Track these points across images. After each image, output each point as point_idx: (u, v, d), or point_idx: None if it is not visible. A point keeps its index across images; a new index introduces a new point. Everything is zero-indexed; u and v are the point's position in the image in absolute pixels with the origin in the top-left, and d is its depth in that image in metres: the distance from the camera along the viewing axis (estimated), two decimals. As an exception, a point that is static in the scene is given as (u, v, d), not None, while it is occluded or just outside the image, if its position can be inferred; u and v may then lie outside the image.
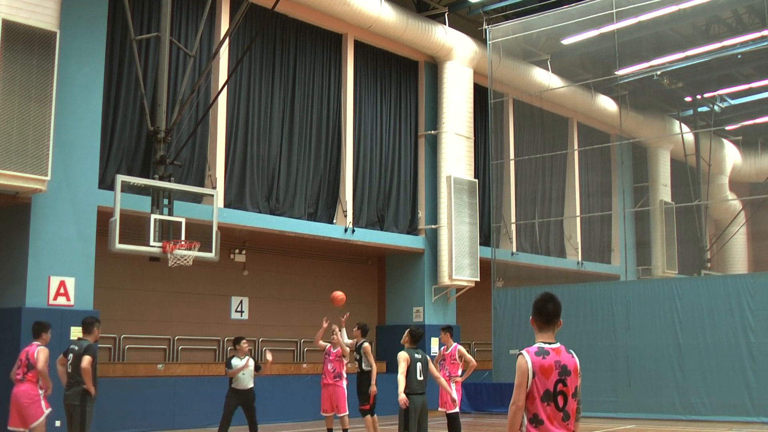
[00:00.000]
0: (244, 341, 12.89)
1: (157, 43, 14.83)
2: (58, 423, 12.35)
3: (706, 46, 24.68)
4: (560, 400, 4.76)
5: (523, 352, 4.85)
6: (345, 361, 13.82)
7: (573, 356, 4.87)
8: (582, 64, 26.46)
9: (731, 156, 32.07)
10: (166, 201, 13.57)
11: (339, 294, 13.46)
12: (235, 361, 12.67)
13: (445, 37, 21.43)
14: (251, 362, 12.72)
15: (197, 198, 15.57)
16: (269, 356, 13.20)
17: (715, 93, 28.60)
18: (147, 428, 15.41)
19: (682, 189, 28.56)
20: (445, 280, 21.11)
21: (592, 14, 21.55)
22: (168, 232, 13.27)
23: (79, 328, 10.66)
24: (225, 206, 16.74)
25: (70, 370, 10.06)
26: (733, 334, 18.06)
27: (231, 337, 18.73)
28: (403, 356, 9.82)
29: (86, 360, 9.80)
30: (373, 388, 13.12)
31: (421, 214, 21.64)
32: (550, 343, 4.89)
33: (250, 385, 12.71)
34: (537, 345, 4.88)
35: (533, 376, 4.76)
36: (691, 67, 25.69)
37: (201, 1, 16.09)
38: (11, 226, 13.87)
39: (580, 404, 4.85)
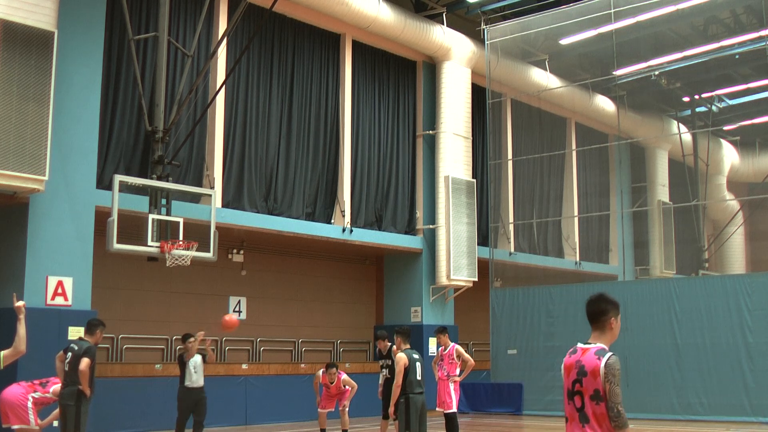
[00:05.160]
0: (192, 339, 12.91)
1: (155, 43, 14.82)
2: (56, 423, 12.33)
3: (704, 46, 24.69)
4: (577, 400, 4.71)
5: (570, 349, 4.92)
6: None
7: (598, 358, 4.67)
8: (580, 64, 26.47)
9: (729, 156, 32.10)
10: (164, 201, 13.55)
11: (230, 319, 12.62)
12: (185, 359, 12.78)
13: (443, 37, 21.43)
14: (199, 357, 12.82)
15: (195, 198, 15.56)
16: (201, 334, 12.99)
17: (713, 93, 28.59)
18: (145, 428, 15.41)
19: (680, 189, 28.57)
20: (443, 280, 21.11)
21: (590, 14, 21.57)
22: (166, 232, 13.26)
23: (78, 328, 10.64)
24: (223, 206, 16.73)
25: (67, 369, 10.03)
26: (731, 334, 18.07)
27: (229, 337, 18.84)
28: (402, 360, 9.79)
29: (84, 363, 9.79)
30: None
31: (419, 214, 21.65)
32: (587, 343, 4.84)
33: (201, 383, 12.85)
34: (577, 344, 4.91)
35: (564, 374, 4.82)
36: (689, 67, 25.68)
37: (199, 1, 16.08)
38: (9, 226, 13.85)
39: (613, 412, 4.57)
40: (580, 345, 4.84)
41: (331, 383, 13.58)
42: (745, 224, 31.26)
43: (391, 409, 10.24)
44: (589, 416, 4.64)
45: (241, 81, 17.73)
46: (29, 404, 10.46)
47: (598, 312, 4.86)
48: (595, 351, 4.72)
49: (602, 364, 4.63)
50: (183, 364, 12.83)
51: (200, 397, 12.86)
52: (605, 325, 4.84)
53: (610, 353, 4.68)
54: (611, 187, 28.48)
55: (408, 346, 10.11)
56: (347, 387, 13.69)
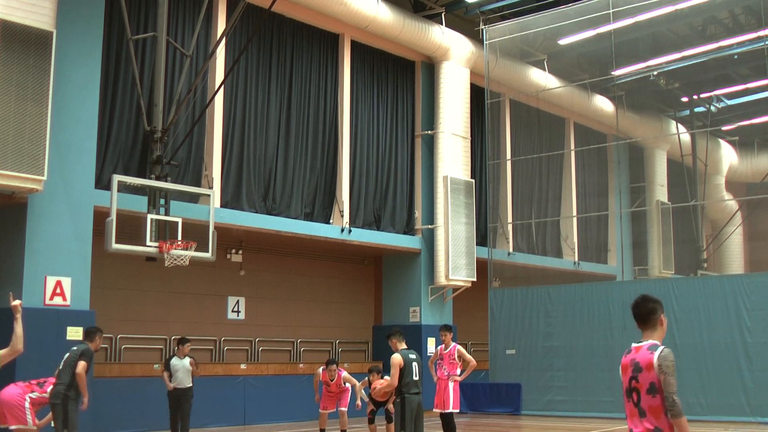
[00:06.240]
0: (188, 344, 13.75)
1: (153, 43, 14.80)
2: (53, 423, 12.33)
3: (703, 46, 24.69)
4: (635, 397, 4.89)
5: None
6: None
7: (651, 353, 4.88)
8: (579, 64, 26.49)
9: (728, 156, 32.12)
10: (162, 201, 13.54)
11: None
12: (175, 361, 13.56)
13: (441, 37, 21.43)
14: (187, 360, 13.56)
15: (194, 198, 15.56)
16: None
17: (712, 93, 28.61)
18: (143, 428, 15.41)
19: (678, 189, 28.58)
20: (441, 280, 21.11)
21: (588, 14, 21.57)
22: (164, 232, 13.24)
23: (76, 328, 10.68)
24: (221, 206, 16.72)
25: (60, 368, 10.08)
26: (730, 334, 18.07)
27: (228, 337, 18.84)
28: (396, 361, 9.74)
29: (81, 366, 9.87)
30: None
31: (418, 214, 21.64)
32: (640, 342, 5.04)
33: (188, 383, 13.51)
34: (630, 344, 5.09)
35: (621, 373, 5.03)
36: (687, 67, 25.69)
37: (198, 0, 16.08)
38: (8, 226, 13.84)
39: (669, 401, 4.76)
40: (634, 344, 5.06)
41: (331, 380, 13.58)
42: (744, 224, 31.30)
43: (373, 390, 10.28)
44: (646, 410, 4.83)
45: (239, 81, 17.73)
46: (26, 404, 10.46)
47: (648, 312, 5.07)
48: (647, 347, 4.94)
49: (655, 357, 4.85)
50: (168, 365, 13.60)
51: (185, 396, 13.53)
52: (655, 322, 5.06)
53: (662, 347, 4.90)
54: (610, 187, 28.50)
55: (404, 346, 10.05)
56: (347, 385, 13.69)
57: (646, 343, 4.98)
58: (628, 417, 4.94)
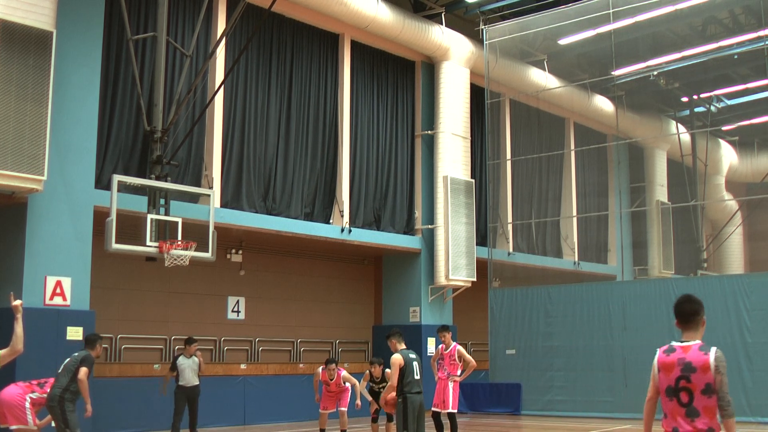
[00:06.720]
0: (195, 344, 14.12)
1: (153, 43, 14.80)
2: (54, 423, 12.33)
3: (703, 46, 24.69)
4: (684, 396, 4.91)
5: (657, 350, 5.17)
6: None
7: (705, 354, 4.94)
8: (579, 64, 26.48)
9: (728, 156, 32.12)
10: (162, 201, 13.54)
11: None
12: (181, 360, 13.90)
13: (441, 37, 21.43)
14: (195, 359, 13.99)
15: (194, 198, 15.56)
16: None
17: (712, 93, 28.61)
18: (143, 428, 15.42)
19: (678, 189, 28.58)
20: (441, 280, 21.11)
21: (588, 14, 21.56)
22: (164, 232, 13.25)
23: (76, 328, 10.72)
24: (221, 206, 16.72)
25: (60, 371, 10.12)
26: (730, 334, 18.07)
27: (228, 337, 18.85)
28: (396, 361, 9.74)
29: (83, 372, 9.98)
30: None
31: (418, 214, 21.64)
32: (683, 342, 5.09)
33: (195, 382, 13.91)
34: (670, 343, 5.14)
35: (658, 372, 5.05)
36: (687, 67, 25.70)
37: (198, 0, 16.08)
38: (7, 226, 13.84)
39: (724, 401, 4.85)
40: (676, 344, 5.11)
41: (331, 380, 13.57)
42: (744, 224, 31.31)
43: (383, 403, 10.28)
44: (700, 410, 4.87)
45: (239, 81, 17.72)
46: (27, 404, 10.48)
47: (692, 312, 5.19)
48: (698, 347, 5.01)
49: (712, 358, 4.92)
50: (175, 365, 13.91)
51: (193, 393, 13.88)
52: (698, 323, 5.18)
53: (714, 347, 4.99)
54: (610, 187, 28.50)
55: (404, 347, 10.05)
56: (347, 384, 13.69)
57: (694, 344, 5.04)
58: (669, 416, 4.95)
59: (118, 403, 15.09)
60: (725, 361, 4.93)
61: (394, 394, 10.33)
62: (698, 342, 5.05)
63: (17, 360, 7.95)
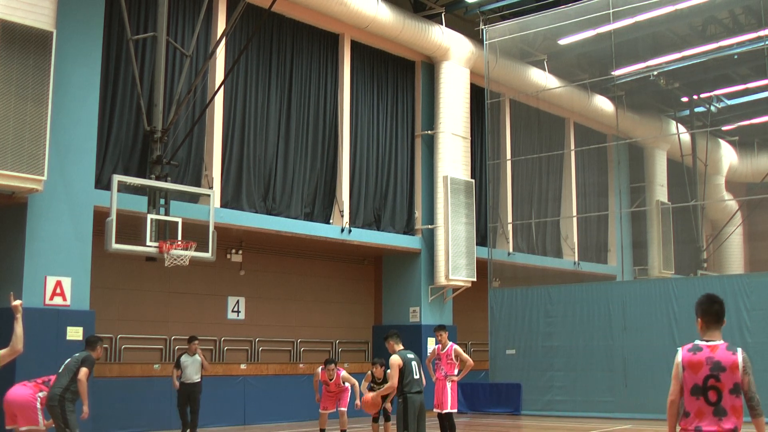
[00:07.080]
0: (196, 341, 14.62)
1: (153, 43, 14.80)
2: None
3: (703, 46, 24.70)
4: (712, 395, 4.92)
5: (679, 348, 5.12)
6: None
7: (733, 353, 4.92)
8: (579, 64, 26.48)
9: (728, 156, 32.11)
10: (162, 201, 13.54)
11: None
12: (184, 358, 14.44)
13: (441, 37, 21.43)
14: (198, 357, 14.56)
15: (194, 198, 15.56)
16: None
17: (712, 93, 28.61)
18: (143, 428, 15.42)
19: (678, 189, 28.58)
20: (441, 280, 21.11)
21: (588, 14, 21.56)
22: (164, 232, 13.25)
23: (76, 328, 10.73)
24: (221, 206, 16.72)
25: (60, 370, 10.13)
26: (730, 334, 18.03)
27: (228, 337, 18.85)
28: (395, 361, 9.73)
29: (83, 372, 10.00)
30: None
31: (418, 214, 21.64)
32: (708, 341, 5.05)
33: (197, 379, 14.43)
34: (694, 342, 5.09)
35: (683, 371, 5.00)
36: (687, 67, 25.70)
37: (198, 0, 16.08)
38: (7, 226, 13.84)
39: (754, 401, 4.95)
40: (702, 343, 5.05)
41: (330, 380, 13.58)
42: (744, 224, 31.30)
43: (380, 400, 10.29)
44: (728, 409, 4.93)
45: (239, 81, 17.73)
46: (38, 404, 10.48)
47: (722, 312, 5.14)
48: (725, 347, 4.98)
49: (740, 358, 4.92)
50: (179, 362, 14.44)
51: (194, 390, 14.40)
52: (722, 323, 5.13)
53: (740, 348, 4.99)
54: (610, 187, 28.49)
55: (401, 347, 10.05)
56: (347, 384, 13.69)
57: (721, 343, 5.00)
58: (695, 415, 4.94)
59: (118, 403, 15.10)
60: (750, 361, 4.97)
61: (369, 394, 10.39)
62: (723, 342, 5.03)
63: (17, 360, 7.95)
